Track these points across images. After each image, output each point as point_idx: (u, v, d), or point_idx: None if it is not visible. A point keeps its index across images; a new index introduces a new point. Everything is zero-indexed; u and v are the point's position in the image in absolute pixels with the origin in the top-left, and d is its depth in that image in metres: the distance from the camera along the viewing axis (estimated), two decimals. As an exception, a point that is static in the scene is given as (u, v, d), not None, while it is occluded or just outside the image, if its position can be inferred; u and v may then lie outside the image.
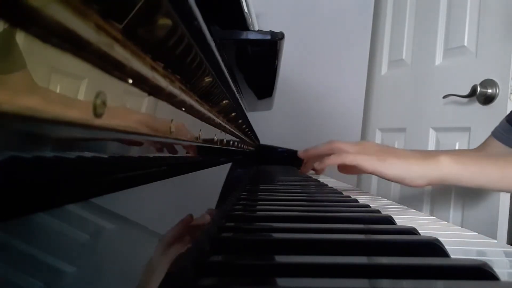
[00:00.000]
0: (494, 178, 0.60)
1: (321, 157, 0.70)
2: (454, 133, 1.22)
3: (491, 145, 0.94)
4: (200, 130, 0.35)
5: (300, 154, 0.79)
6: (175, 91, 0.23)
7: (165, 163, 0.28)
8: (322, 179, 1.02)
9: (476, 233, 0.41)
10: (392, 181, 0.60)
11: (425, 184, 0.58)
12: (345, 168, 0.77)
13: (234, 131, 0.62)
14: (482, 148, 0.96)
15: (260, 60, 0.64)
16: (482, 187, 0.62)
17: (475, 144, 1.00)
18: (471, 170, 0.58)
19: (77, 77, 0.13)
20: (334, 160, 0.64)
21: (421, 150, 0.62)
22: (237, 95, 0.49)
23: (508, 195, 1.04)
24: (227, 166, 0.60)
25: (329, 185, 0.83)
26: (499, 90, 1.08)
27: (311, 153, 0.76)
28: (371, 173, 0.62)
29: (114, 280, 0.16)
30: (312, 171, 1.24)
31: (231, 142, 0.62)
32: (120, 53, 0.15)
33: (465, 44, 1.19)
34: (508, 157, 0.64)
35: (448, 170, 0.57)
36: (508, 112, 0.95)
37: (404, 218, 0.48)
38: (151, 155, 0.24)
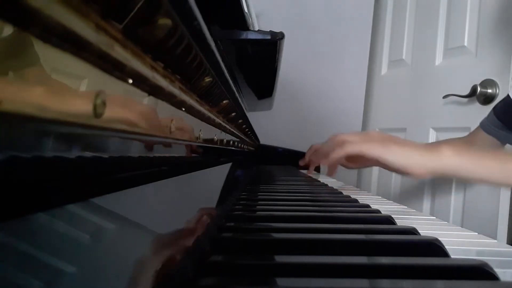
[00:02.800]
0: (495, 172, 0.59)
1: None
2: (454, 133, 1.22)
3: (479, 136, 0.95)
4: (200, 130, 0.35)
5: (306, 159, 0.77)
6: (175, 91, 0.23)
7: (165, 163, 0.28)
8: (322, 179, 1.02)
9: (476, 233, 0.41)
10: (393, 169, 0.60)
11: (425, 173, 0.58)
12: (350, 161, 0.77)
13: (234, 131, 0.62)
14: (470, 139, 0.97)
15: (260, 60, 0.64)
16: (482, 180, 0.61)
17: (475, 144, 1.00)
18: (472, 163, 0.58)
19: (77, 77, 0.13)
20: (339, 152, 0.63)
21: (423, 143, 0.63)
22: (237, 95, 0.49)
23: (508, 194, 1.04)
24: (227, 166, 0.60)
25: (329, 185, 0.83)
26: (499, 90, 1.08)
27: (317, 155, 0.74)
28: (375, 161, 0.61)
29: (114, 280, 0.16)
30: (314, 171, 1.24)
31: (231, 142, 0.62)
32: (120, 53, 0.15)
33: (465, 44, 1.19)
34: (510, 153, 0.64)
35: (449, 161, 0.57)
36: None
37: (404, 218, 0.48)
38: (151, 155, 0.24)
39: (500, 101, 0.93)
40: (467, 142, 0.98)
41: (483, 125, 0.94)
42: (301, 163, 1.21)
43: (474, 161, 0.59)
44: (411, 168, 0.57)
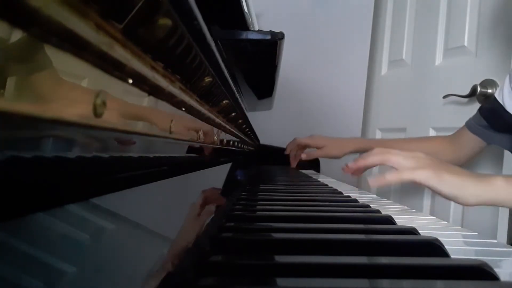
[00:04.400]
0: None
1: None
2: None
3: (464, 135, 0.97)
4: (200, 130, 0.35)
5: (352, 167, 0.67)
6: (175, 91, 0.23)
7: (165, 163, 0.28)
8: (322, 179, 1.02)
9: (476, 233, 0.41)
10: (444, 197, 0.58)
11: (476, 204, 0.57)
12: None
13: (234, 131, 0.62)
14: (454, 137, 1.00)
15: (260, 60, 0.64)
16: None
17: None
18: None
19: (77, 77, 0.13)
20: (395, 178, 0.59)
21: (469, 171, 0.60)
22: (237, 95, 0.49)
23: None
24: (227, 166, 0.60)
25: (329, 185, 0.83)
26: (499, 90, 1.08)
27: (361, 166, 0.67)
28: (424, 186, 0.59)
29: (114, 280, 0.16)
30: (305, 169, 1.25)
31: (231, 142, 0.62)
32: (120, 53, 0.15)
33: (465, 44, 1.19)
34: None
35: (503, 192, 0.57)
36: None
37: (404, 218, 0.48)
38: (151, 155, 0.24)
39: (486, 103, 0.95)
40: (452, 140, 1.00)
41: (469, 125, 0.97)
42: (294, 164, 1.23)
43: None
44: (462, 198, 0.57)
